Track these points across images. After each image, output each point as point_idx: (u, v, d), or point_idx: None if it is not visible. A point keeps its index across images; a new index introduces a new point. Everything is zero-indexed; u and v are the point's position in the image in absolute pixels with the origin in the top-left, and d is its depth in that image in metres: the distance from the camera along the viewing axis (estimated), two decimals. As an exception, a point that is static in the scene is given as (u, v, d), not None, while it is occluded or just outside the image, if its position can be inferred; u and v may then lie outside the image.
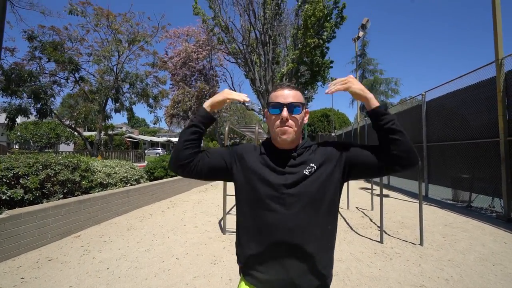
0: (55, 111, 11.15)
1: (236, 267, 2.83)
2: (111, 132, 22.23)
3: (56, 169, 3.91)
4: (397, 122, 0.89)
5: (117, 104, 11.43)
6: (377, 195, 4.84)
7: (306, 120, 1.02)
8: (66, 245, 3.47)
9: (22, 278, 2.61)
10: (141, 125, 64.81)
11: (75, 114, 11.76)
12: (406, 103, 9.88)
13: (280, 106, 0.93)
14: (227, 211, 4.23)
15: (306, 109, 1.02)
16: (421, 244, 3.49)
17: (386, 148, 0.89)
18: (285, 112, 0.92)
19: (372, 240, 3.69)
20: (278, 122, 0.94)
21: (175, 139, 52.58)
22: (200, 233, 4.03)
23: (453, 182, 6.19)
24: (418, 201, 3.74)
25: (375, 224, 4.44)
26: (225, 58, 15.74)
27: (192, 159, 0.97)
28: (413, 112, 8.09)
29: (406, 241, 3.64)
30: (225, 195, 4.14)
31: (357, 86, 0.91)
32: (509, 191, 4.60)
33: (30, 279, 2.58)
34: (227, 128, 4.26)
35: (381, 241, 3.58)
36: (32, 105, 9.98)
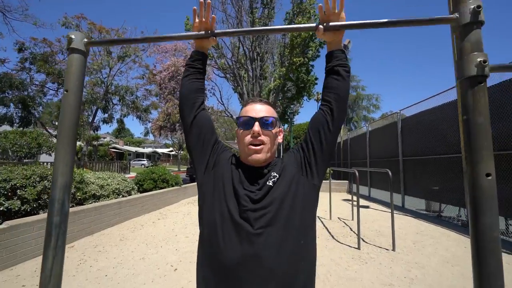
0: (41, 121, 11.07)
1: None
2: (95, 142, 21.85)
3: (53, 181, 4.05)
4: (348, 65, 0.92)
5: (106, 114, 11.53)
6: (358, 206, 5.24)
7: (280, 140, 0.96)
8: (61, 255, 3.59)
9: (23, 285, 2.75)
10: (126, 135, 63.60)
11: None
12: (387, 118, 10.59)
13: (251, 120, 0.87)
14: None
15: (280, 128, 0.97)
16: (393, 249, 3.89)
17: (329, 84, 0.91)
18: (256, 127, 0.85)
19: (351, 247, 4.05)
20: (248, 137, 0.87)
21: (161, 150, 51.89)
22: (191, 242, 4.24)
23: (425, 193, 6.74)
24: (396, 212, 4.17)
25: (354, 233, 4.82)
26: (214, 73, 16.19)
27: (196, 94, 0.96)
28: (391, 129, 8.74)
29: (381, 247, 4.03)
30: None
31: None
32: (471, 201, 5.14)
33: (32, 286, 2.72)
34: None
35: (358, 248, 3.95)
36: (18, 114, 9.92)
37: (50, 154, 22.61)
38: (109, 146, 27.81)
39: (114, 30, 11.22)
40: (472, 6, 0.70)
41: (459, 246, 4.08)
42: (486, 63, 0.68)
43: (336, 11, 0.83)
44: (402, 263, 3.40)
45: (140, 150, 46.72)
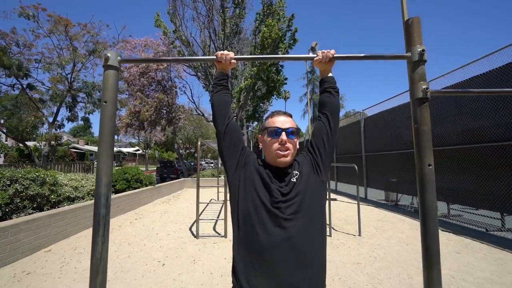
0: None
1: (215, 264, 3.30)
2: (53, 142, 20.11)
3: (25, 184, 3.88)
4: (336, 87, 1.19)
5: (71, 112, 10.77)
6: (327, 199, 5.74)
7: (298, 146, 1.12)
8: (39, 259, 3.49)
9: (5, 291, 2.68)
10: (85, 134, 59.11)
11: (22, 124, 10.60)
12: (351, 117, 11.43)
13: (279, 130, 1.04)
14: (199, 216, 4.64)
15: (297, 136, 1.12)
16: (359, 235, 4.41)
17: (323, 100, 1.17)
18: (284, 136, 1.02)
19: (323, 234, 4.49)
20: (276, 144, 1.03)
21: (126, 149, 49.29)
22: (174, 239, 4.35)
23: (385, 185, 7.54)
24: (360, 203, 4.69)
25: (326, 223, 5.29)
26: (185, 71, 15.95)
27: (227, 106, 1.15)
28: (354, 127, 9.52)
29: (348, 234, 4.53)
30: (198, 202, 4.56)
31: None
32: (422, 190, 5.95)
33: (15, 291, 2.67)
34: (199, 143, 4.73)
35: (330, 235, 4.40)
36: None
37: (-1, 156, 20.35)
38: (69, 146, 25.76)
39: (81, 24, 10.47)
40: (419, 49, 1.03)
41: (412, 229, 4.75)
42: (428, 90, 1.01)
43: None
44: (367, 245, 3.91)
45: (103, 149, 43.74)
